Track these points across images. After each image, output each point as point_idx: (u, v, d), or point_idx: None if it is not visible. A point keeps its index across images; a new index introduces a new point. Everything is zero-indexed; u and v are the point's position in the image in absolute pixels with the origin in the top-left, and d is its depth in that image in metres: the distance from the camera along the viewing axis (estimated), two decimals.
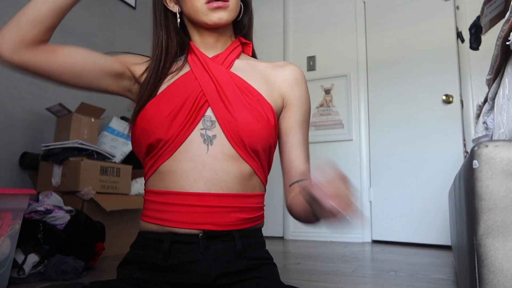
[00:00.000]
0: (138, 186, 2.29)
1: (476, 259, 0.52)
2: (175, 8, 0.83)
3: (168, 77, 0.80)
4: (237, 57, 0.85)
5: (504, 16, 1.14)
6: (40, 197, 1.87)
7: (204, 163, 0.72)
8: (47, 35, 0.72)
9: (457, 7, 2.95)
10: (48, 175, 2.07)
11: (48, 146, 2.09)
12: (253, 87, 0.78)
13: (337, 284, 1.48)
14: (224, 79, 0.77)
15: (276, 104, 0.81)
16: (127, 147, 2.37)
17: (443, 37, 2.85)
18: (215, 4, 0.77)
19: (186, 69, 0.81)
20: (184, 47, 0.85)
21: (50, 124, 2.28)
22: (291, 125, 0.82)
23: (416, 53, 2.96)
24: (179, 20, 0.83)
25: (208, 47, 0.83)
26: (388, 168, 3.01)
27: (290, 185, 0.80)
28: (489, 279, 0.51)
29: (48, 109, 2.21)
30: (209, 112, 0.75)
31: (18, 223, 1.42)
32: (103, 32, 2.81)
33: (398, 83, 3.03)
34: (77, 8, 2.94)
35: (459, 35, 2.86)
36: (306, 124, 0.85)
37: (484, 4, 1.19)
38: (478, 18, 1.51)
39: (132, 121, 0.78)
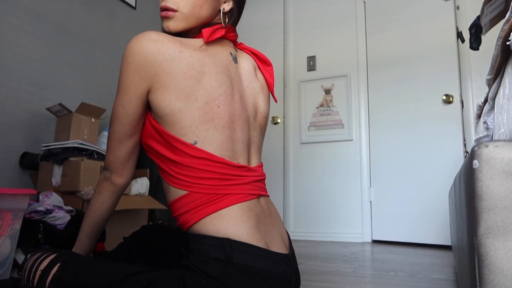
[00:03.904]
0: (138, 186, 2.29)
1: (476, 259, 0.52)
2: None
3: None
4: None
5: (504, 16, 1.14)
6: (40, 197, 1.87)
7: None
8: None
9: (457, 7, 2.95)
10: (48, 175, 2.07)
11: (48, 146, 2.09)
12: None
13: (337, 284, 1.48)
14: None
15: None
16: None
17: (443, 37, 2.85)
18: (162, 13, 0.78)
19: None
20: None
21: (50, 124, 2.28)
22: None
23: (416, 53, 2.96)
24: None
25: None
26: (388, 168, 3.01)
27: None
28: (489, 279, 0.51)
29: (48, 109, 2.21)
30: None
31: (18, 223, 1.42)
32: (103, 32, 2.81)
33: (398, 83, 3.03)
34: (77, 8, 2.93)
35: (459, 35, 2.86)
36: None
37: (484, 4, 1.19)
38: (478, 18, 1.51)
39: None
